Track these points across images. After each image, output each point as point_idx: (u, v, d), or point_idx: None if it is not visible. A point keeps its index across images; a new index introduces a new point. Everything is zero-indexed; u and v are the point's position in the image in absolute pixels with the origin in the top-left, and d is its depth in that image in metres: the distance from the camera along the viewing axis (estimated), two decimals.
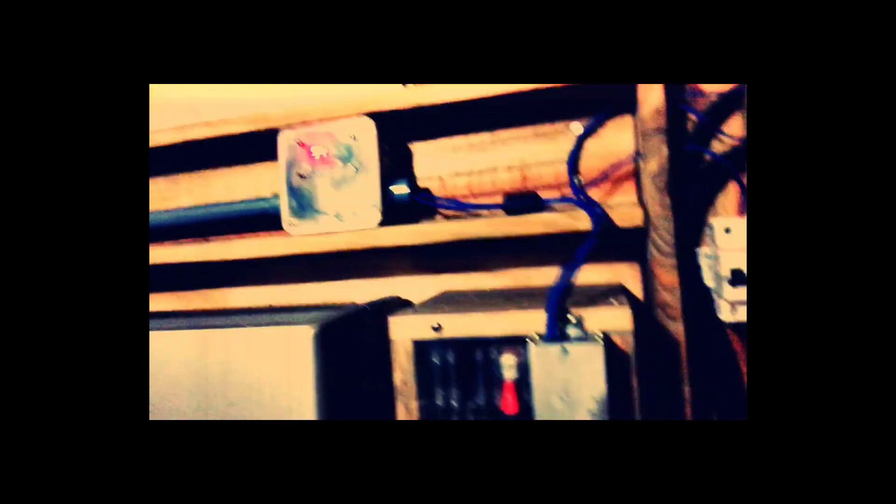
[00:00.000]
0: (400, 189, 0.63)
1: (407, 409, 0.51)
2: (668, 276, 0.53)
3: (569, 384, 0.42)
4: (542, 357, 0.43)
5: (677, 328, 0.53)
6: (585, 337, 0.43)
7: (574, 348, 0.42)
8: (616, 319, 0.45)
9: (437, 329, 0.49)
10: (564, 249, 0.53)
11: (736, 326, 0.55)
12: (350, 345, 0.55)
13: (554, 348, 0.42)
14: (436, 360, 0.51)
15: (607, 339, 0.44)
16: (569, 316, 0.45)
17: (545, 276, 0.65)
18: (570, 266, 0.47)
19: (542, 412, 0.43)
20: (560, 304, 0.45)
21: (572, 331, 0.44)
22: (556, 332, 0.44)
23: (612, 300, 0.49)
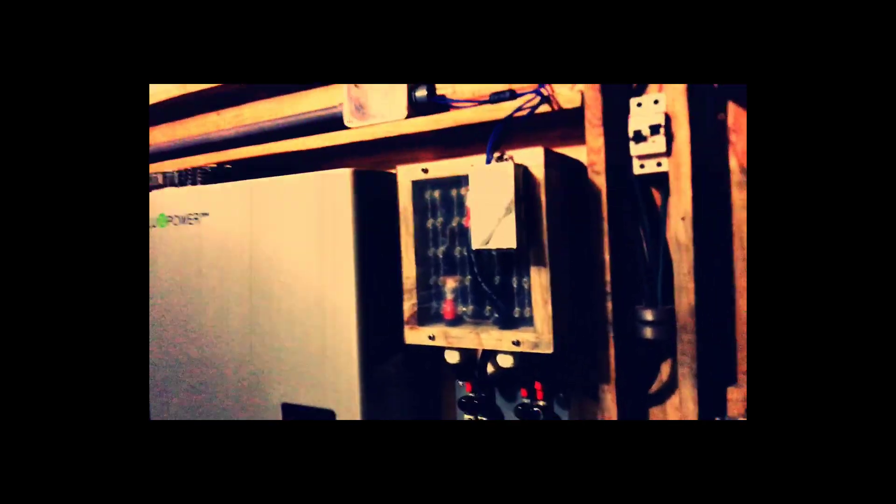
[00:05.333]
0: (421, 93, 0.88)
1: (406, 227, 0.77)
2: (595, 141, 0.73)
3: (493, 192, 0.65)
4: (475, 175, 0.66)
5: (600, 181, 0.73)
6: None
7: (494, 166, 0.65)
8: (532, 155, 0.67)
9: (426, 171, 0.75)
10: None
11: (643, 179, 0.73)
12: (379, 192, 0.81)
13: (483, 167, 0.66)
14: (427, 196, 0.77)
15: (525, 168, 0.66)
16: (505, 156, 0.68)
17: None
18: (507, 118, 0.70)
19: (477, 216, 0.66)
20: (497, 144, 0.68)
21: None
22: (490, 162, 0.67)
23: None
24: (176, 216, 0.94)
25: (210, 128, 1.24)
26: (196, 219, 0.91)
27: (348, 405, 0.75)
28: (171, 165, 1.16)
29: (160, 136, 1.35)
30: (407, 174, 0.76)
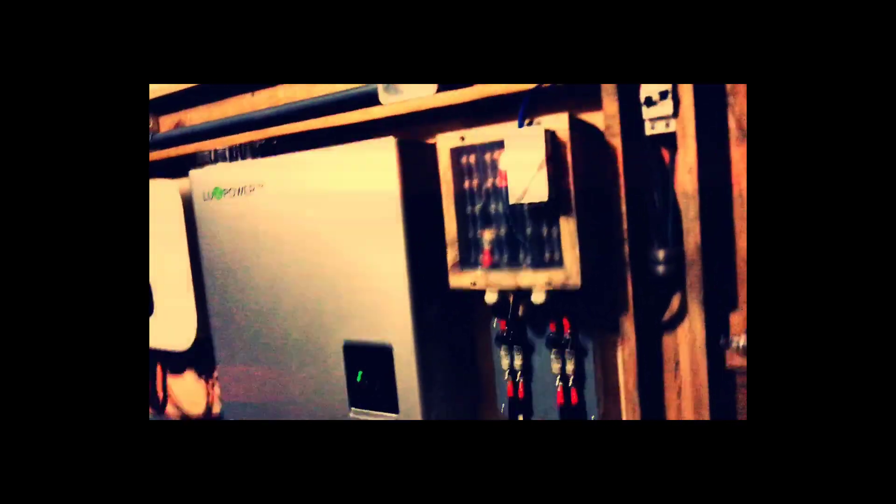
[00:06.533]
0: None
1: (446, 188, 0.88)
2: (611, 107, 0.84)
3: (525, 154, 0.76)
4: (510, 138, 0.77)
5: (616, 141, 0.84)
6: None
7: (526, 130, 0.76)
8: (557, 120, 0.77)
9: (462, 139, 0.85)
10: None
11: (654, 139, 0.84)
12: (417, 159, 0.92)
13: (517, 132, 0.76)
14: (463, 160, 0.88)
15: (552, 132, 0.77)
16: (534, 122, 0.79)
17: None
18: (536, 88, 0.80)
19: (512, 175, 0.77)
20: (527, 111, 0.78)
21: None
22: (522, 127, 0.78)
23: None
24: (232, 188, 1.05)
25: (245, 108, 1.34)
26: (251, 189, 1.02)
27: (403, 340, 0.87)
28: (211, 144, 1.26)
29: (196, 117, 1.44)
30: (446, 142, 0.87)
